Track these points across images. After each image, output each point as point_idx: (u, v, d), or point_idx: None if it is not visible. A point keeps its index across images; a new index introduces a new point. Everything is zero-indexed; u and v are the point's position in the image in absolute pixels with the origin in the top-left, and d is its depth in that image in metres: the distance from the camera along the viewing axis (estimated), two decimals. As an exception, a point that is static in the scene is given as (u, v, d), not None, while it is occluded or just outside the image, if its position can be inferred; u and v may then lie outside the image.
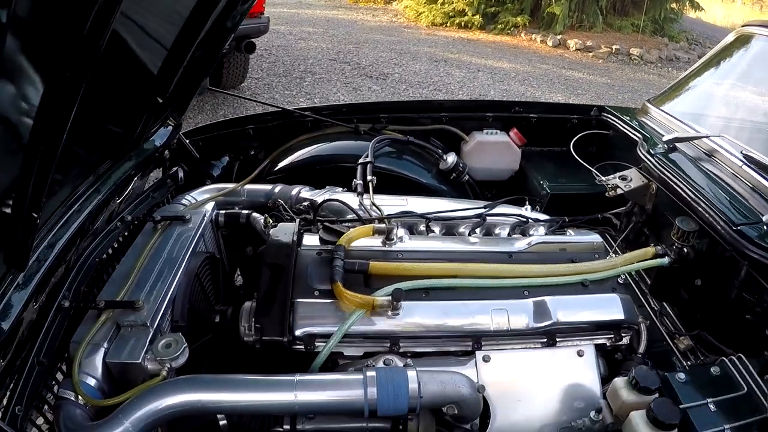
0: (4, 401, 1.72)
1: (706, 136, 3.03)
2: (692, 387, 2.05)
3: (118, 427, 1.70)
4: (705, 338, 2.63)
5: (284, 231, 2.54)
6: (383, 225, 2.55)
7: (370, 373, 1.92)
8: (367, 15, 18.30)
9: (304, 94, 9.79)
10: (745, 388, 2.02)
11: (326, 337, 2.17)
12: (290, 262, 2.38)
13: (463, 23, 16.44)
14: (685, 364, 2.58)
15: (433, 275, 2.36)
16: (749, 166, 2.73)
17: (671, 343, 2.71)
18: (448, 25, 16.67)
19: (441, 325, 2.27)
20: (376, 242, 2.55)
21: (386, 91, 10.39)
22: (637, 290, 3.04)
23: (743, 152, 2.80)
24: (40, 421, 1.85)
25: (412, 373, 1.94)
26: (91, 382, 1.83)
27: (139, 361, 1.87)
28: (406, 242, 2.59)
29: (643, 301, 2.97)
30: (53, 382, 1.90)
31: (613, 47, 14.61)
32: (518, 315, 2.31)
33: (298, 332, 2.18)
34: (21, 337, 1.82)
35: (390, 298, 2.18)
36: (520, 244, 2.67)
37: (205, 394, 1.82)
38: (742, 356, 2.14)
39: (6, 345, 1.74)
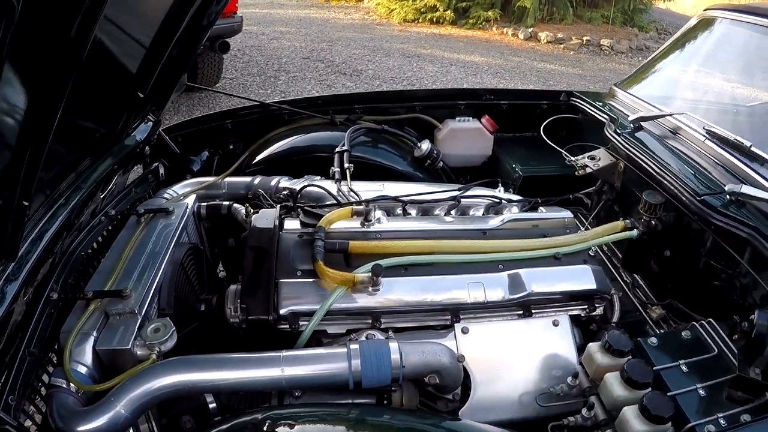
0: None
1: (670, 114, 3.12)
2: (664, 350, 2.15)
3: (110, 411, 1.75)
4: (676, 307, 2.71)
5: (266, 216, 2.63)
6: (361, 207, 2.63)
7: (354, 346, 1.99)
8: (339, 13, 18.29)
9: (278, 93, 9.81)
10: (716, 350, 2.13)
11: (310, 315, 2.24)
12: (272, 245, 2.45)
13: (434, 19, 16.47)
14: (657, 331, 2.65)
15: (412, 252, 2.45)
16: (712, 141, 2.83)
17: (644, 313, 2.79)
18: (420, 21, 16.69)
19: (420, 300, 2.35)
20: (354, 224, 2.64)
21: (361, 88, 10.43)
22: (609, 264, 3.12)
23: (706, 128, 2.89)
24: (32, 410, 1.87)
25: (393, 344, 2.01)
26: (82, 369, 1.87)
27: (129, 346, 1.92)
28: (384, 223, 2.68)
29: (616, 274, 3.05)
30: (44, 373, 1.92)
31: (584, 39, 14.70)
32: (494, 288, 2.40)
33: (282, 311, 2.25)
34: (11, 329, 1.85)
35: (370, 274, 2.27)
36: (494, 221, 2.76)
37: (195, 374, 1.87)
38: (712, 320, 2.24)
39: None
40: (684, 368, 2.07)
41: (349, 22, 17.04)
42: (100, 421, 1.74)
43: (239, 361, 1.95)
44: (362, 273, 2.30)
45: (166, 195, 2.94)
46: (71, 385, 1.82)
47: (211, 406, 2.06)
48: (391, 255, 2.42)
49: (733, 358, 2.05)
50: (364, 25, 16.56)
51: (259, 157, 3.64)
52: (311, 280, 2.35)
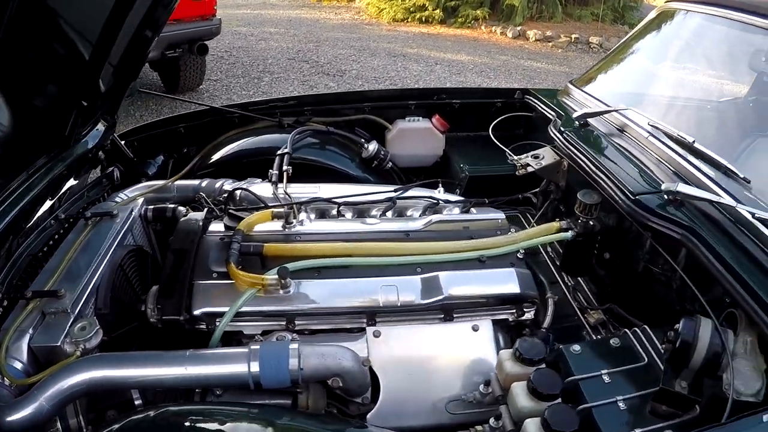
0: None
1: (615, 110, 3.02)
2: (588, 359, 2.04)
3: (33, 403, 1.81)
4: (617, 312, 2.64)
5: (192, 219, 2.70)
6: (282, 210, 2.64)
7: (254, 347, 2.00)
8: (329, 13, 18.28)
9: (261, 94, 9.78)
10: (646, 359, 2.01)
11: (223, 315, 2.26)
12: (193, 247, 2.50)
13: (423, 18, 16.42)
14: (594, 337, 2.59)
15: (326, 255, 2.45)
16: (655, 137, 2.73)
17: (582, 318, 2.72)
18: (409, 20, 16.65)
19: (332, 303, 2.34)
20: (277, 226, 2.64)
21: (342, 88, 10.36)
22: (551, 266, 3.04)
23: (650, 123, 2.80)
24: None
25: (293, 346, 2.00)
26: (18, 365, 1.94)
27: (59, 343, 2.00)
28: (306, 225, 2.66)
29: (557, 277, 2.97)
30: None
31: (573, 36, 14.64)
32: (408, 291, 2.36)
33: (196, 312, 2.30)
34: None
35: (277, 277, 2.28)
36: (419, 223, 2.70)
37: (107, 370, 1.92)
38: (647, 328, 2.13)
39: None
40: (606, 378, 1.95)
41: (338, 22, 17.02)
42: (25, 413, 1.80)
43: (149, 357, 2.01)
44: (270, 276, 2.30)
45: (117, 198, 2.97)
46: (5, 379, 1.89)
47: (136, 402, 2.09)
48: (306, 257, 2.42)
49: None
50: (353, 25, 16.53)
51: (210, 160, 3.65)
52: (226, 282, 2.37)
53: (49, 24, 2.12)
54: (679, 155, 2.56)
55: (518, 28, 15.21)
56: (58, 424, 1.94)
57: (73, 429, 2.00)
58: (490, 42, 14.75)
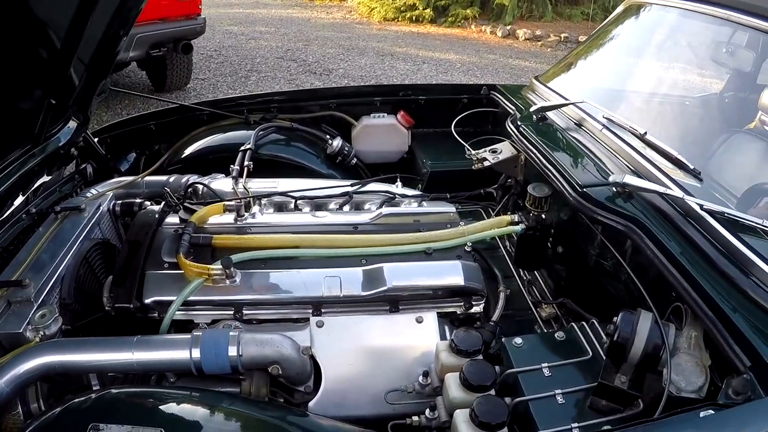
0: None
1: (571, 103, 3.03)
2: (529, 351, 2.04)
3: None
4: (570, 306, 2.64)
5: (150, 212, 2.78)
6: (233, 203, 2.70)
7: (197, 333, 2.08)
8: (321, 12, 18.27)
9: (247, 93, 9.76)
10: (591, 354, 2.00)
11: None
12: (147, 239, 2.57)
13: (414, 17, 16.40)
14: (546, 331, 2.57)
15: (272, 246, 2.50)
16: (608, 129, 2.73)
17: (535, 312, 2.73)
18: (399, 19, 16.64)
19: (277, 293, 2.39)
20: (230, 219, 2.71)
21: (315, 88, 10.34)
22: (508, 260, 3.05)
23: (604, 116, 2.80)
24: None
25: (233, 334, 2.07)
26: None
27: (21, 330, 2.08)
28: (258, 218, 2.72)
29: (513, 271, 2.98)
30: None
31: (562, 35, 14.60)
32: (351, 282, 2.40)
33: (147, 300, 2.38)
34: None
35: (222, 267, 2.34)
36: (367, 216, 2.74)
37: (60, 355, 2.00)
38: (595, 321, 2.13)
39: None
40: (546, 372, 1.94)
41: (329, 21, 17.01)
42: None
43: (100, 343, 2.09)
44: (215, 266, 2.35)
45: (87, 194, 3.03)
46: None
47: (94, 387, 2.17)
48: (254, 249, 2.48)
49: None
50: (343, 24, 16.52)
51: (180, 157, 3.71)
52: (176, 272, 2.43)
53: (16, 21, 2.15)
54: (632, 147, 2.57)
55: (508, 27, 15.18)
56: (20, 408, 2.01)
57: (34, 412, 2.05)
58: (480, 41, 14.73)
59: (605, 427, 1.76)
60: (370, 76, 11.18)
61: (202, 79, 10.52)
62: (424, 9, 16.25)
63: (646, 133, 2.54)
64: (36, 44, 2.38)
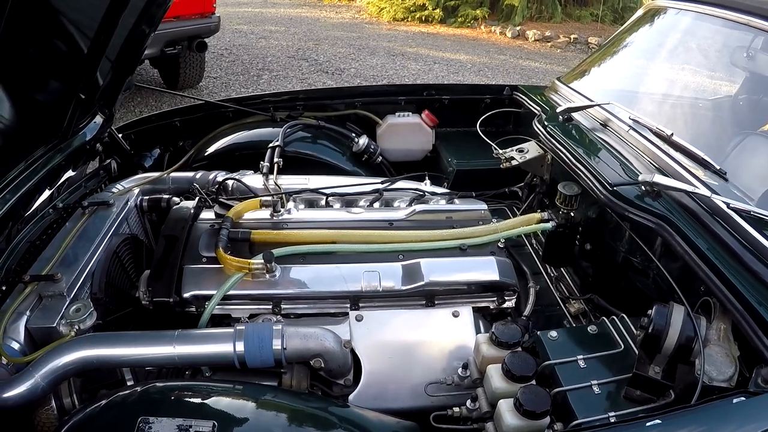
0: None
1: (597, 105, 3.08)
2: (564, 344, 2.10)
3: (29, 380, 1.90)
4: (597, 302, 2.69)
5: (184, 207, 2.79)
6: (270, 198, 2.71)
7: (240, 327, 2.08)
8: (330, 12, 18.28)
9: (259, 92, 9.77)
10: (622, 346, 2.06)
11: (212, 299, 2.34)
12: (183, 233, 2.59)
13: (423, 17, 16.42)
14: (574, 326, 2.63)
15: (310, 241, 2.53)
16: (635, 130, 2.78)
17: (563, 307, 2.78)
18: (409, 19, 16.66)
19: (316, 287, 2.42)
20: (265, 214, 2.72)
21: (340, 86, 10.36)
22: (535, 258, 3.10)
23: (630, 117, 2.85)
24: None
25: (277, 327, 2.08)
26: (15, 345, 2.04)
27: (54, 325, 2.10)
28: (294, 213, 2.74)
29: (541, 267, 3.03)
30: None
31: (572, 37, 14.62)
32: (390, 277, 2.43)
33: (185, 294, 2.40)
34: None
35: (263, 261, 2.36)
36: (402, 212, 2.77)
37: (99, 349, 2.01)
38: (624, 316, 2.19)
39: None
40: (581, 363, 2.00)
41: (339, 21, 17.03)
42: (21, 389, 1.89)
43: (139, 337, 2.11)
44: (256, 260, 2.37)
45: (114, 189, 3.04)
46: (2, 358, 1.98)
47: (128, 382, 2.17)
48: (292, 244, 2.51)
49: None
50: (353, 24, 16.54)
51: (205, 153, 3.76)
52: (214, 266, 2.46)
53: (48, 19, 2.19)
54: (658, 148, 2.62)
55: (517, 28, 15.20)
56: (53, 403, 2.02)
57: (67, 408, 2.07)
58: (490, 42, 14.75)
59: (651, 421, 1.79)
60: (381, 75, 11.21)
61: (214, 77, 10.55)
62: (433, 9, 16.26)
63: (672, 134, 2.60)
64: (68, 42, 2.42)
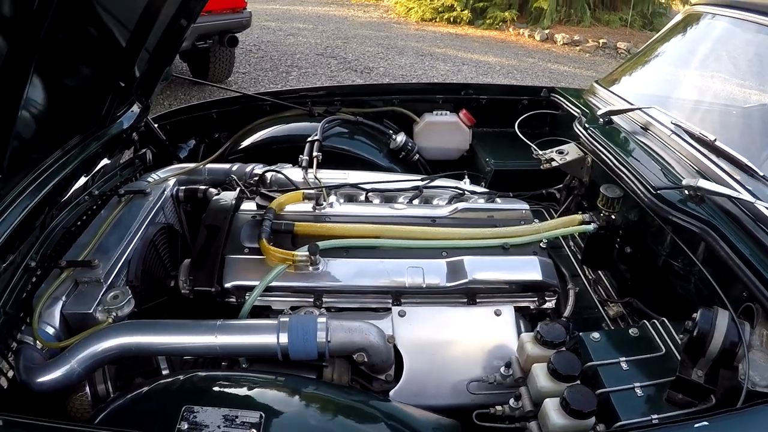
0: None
1: (639, 108, 3.07)
2: (606, 346, 2.08)
3: (65, 365, 1.92)
4: (636, 305, 2.67)
5: (225, 197, 2.79)
6: (313, 191, 2.73)
7: (284, 319, 2.08)
8: (358, 11, 18.36)
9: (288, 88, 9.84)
10: (663, 350, 2.04)
11: (252, 289, 2.34)
12: (225, 223, 2.59)
13: (452, 18, 16.47)
14: (612, 329, 2.62)
15: (354, 235, 2.53)
16: (677, 135, 2.77)
17: (602, 310, 2.76)
18: (437, 20, 16.71)
19: (359, 281, 2.41)
20: (307, 207, 2.73)
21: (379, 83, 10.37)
22: (573, 260, 3.09)
23: (673, 122, 2.84)
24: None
25: (321, 320, 2.08)
26: (50, 330, 2.05)
27: (91, 311, 2.10)
28: (336, 207, 2.75)
29: (579, 270, 3.02)
30: (18, 332, 2.09)
31: (600, 41, 14.57)
32: (433, 273, 2.42)
33: (227, 285, 2.40)
34: None
35: (308, 253, 2.35)
36: (445, 210, 2.77)
37: (138, 337, 2.02)
38: (665, 320, 2.17)
39: None
40: (624, 366, 1.99)
41: (366, 20, 17.08)
42: (56, 374, 1.91)
43: (180, 326, 2.10)
44: (301, 252, 2.37)
45: (149, 179, 3.05)
46: (37, 343, 2.00)
47: (164, 371, 2.18)
48: (335, 237, 2.50)
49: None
50: (381, 24, 16.59)
51: (241, 146, 3.77)
52: (257, 257, 2.46)
53: (91, 11, 2.23)
54: (701, 153, 2.60)
55: (546, 31, 15.18)
56: (87, 389, 2.04)
57: (101, 395, 2.08)
58: (518, 44, 14.75)
59: (699, 422, 1.76)
60: (410, 75, 11.21)
61: (243, 72, 10.62)
62: (462, 10, 16.31)
63: (715, 139, 2.58)
64: (109, 33, 2.46)
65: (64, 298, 2.14)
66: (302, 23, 15.47)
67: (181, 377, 1.94)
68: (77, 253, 2.35)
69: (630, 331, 2.16)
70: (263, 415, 1.70)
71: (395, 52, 12.99)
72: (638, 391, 1.91)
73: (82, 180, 2.75)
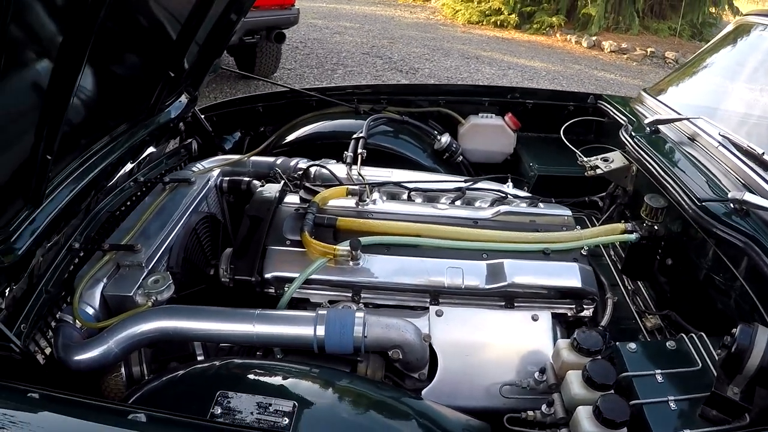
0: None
1: (686, 119, 3.03)
2: (642, 357, 2.06)
3: (103, 345, 1.98)
4: (674, 318, 2.64)
5: (269, 189, 2.83)
6: (357, 187, 2.74)
7: (322, 312, 2.10)
8: (404, 12, 18.36)
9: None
10: (700, 365, 2.01)
11: (292, 281, 2.37)
12: (269, 215, 2.62)
13: (498, 22, 16.39)
14: (649, 340, 2.60)
15: (395, 233, 2.55)
16: (725, 147, 2.73)
17: (639, 321, 2.74)
18: (484, 23, 16.64)
19: (399, 279, 2.42)
20: (350, 203, 2.75)
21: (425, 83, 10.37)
22: (613, 269, 3.06)
23: (720, 133, 2.80)
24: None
25: (359, 315, 2.09)
26: (90, 310, 2.11)
27: (131, 294, 2.17)
28: (379, 204, 2.77)
29: (618, 279, 2.99)
30: (58, 310, 2.15)
31: (648, 50, 14.38)
32: (473, 275, 2.43)
33: (267, 275, 2.44)
34: (33, 269, 2.08)
35: (349, 248, 2.38)
36: (487, 212, 2.77)
37: (177, 321, 2.07)
38: (704, 335, 2.15)
39: (19, 271, 2.02)
40: (659, 378, 1.96)
41: (413, 20, 17.09)
42: (94, 353, 1.96)
43: (219, 313, 2.14)
44: (342, 247, 2.39)
45: (194, 168, 3.12)
46: (77, 322, 2.05)
47: (199, 357, 2.23)
48: (376, 234, 2.52)
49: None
50: (427, 25, 16.58)
51: (286, 140, 3.83)
52: (298, 249, 2.49)
53: (144, 4, 2.30)
54: (748, 166, 2.55)
55: (593, 38, 15.02)
56: (122, 370, 2.09)
57: (136, 376, 2.13)
58: (565, 50, 14.63)
59: None
60: (456, 77, 11.19)
61: (289, 69, 10.69)
62: (509, 14, 16.21)
63: (764, 153, 2.54)
64: (161, 26, 2.51)
65: (105, 280, 2.20)
66: (349, 22, 15.52)
67: (217, 363, 1.98)
68: (120, 238, 2.41)
69: (667, 343, 2.13)
70: (296, 404, 1.73)
71: (441, 53, 12.97)
72: (672, 405, 1.88)
73: (129, 166, 2.81)
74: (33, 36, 1.68)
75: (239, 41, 8.31)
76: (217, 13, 2.78)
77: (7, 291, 1.98)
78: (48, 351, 2.09)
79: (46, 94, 1.84)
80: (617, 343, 2.12)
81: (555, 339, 2.34)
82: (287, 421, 1.68)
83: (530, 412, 2.06)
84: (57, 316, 2.12)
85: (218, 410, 1.69)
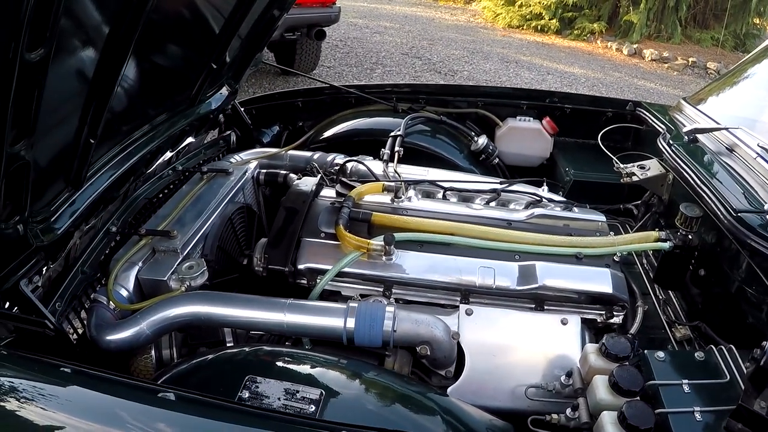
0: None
1: (725, 128, 3.00)
2: (670, 367, 2.04)
3: (135, 326, 2.03)
4: (704, 330, 2.62)
5: (305, 183, 2.86)
6: (392, 184, 2.78)
7: (353, 304, 2.12)
8: (445, 13, 18.37)
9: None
10: (728, 377, 1.98)
11: (325, 273, 2.40)
12: (304, 207, 2.65)
13: (539, 27, 16.34)
14: (678, 350, 2.58)
15: (429, 230, 2.55)
16: (763, 158, 2.70)
17: (669, 332, 2.72)
18: (524, 27, 16.61)
19: (430, 276, 2.44)
20: (386, 199, 2.77)
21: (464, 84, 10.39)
22: (644, 278, 3.05)
23: (759, 144, 2.77)
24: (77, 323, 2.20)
25: (389, 309, 2.11)
26: (124, 293, 2.17)
27: (165, 278, 2.22)
28: (414, 202, 2.78)
29: (649, 289, 2.98)
30: (93, 291, 2.23)
31: (690, 60, 14.22)
32: (504, 275, 2.43)
33: (300, 266, 2.48)
34: (73, 252, 2.16)
35: (383, 243, 2.40)
36: (521, 214, 2.77)
37: (209, 307, 2.10)
38: (733, 348, 2.13)
39: (57, 250, 2.08)
40: (686, 388, 1.94)
41: (453, 22, 17.08)
42: (125, 334, 2.02)
43: (251, 300, 2.16)
44: (376, 241, 2.41)
45: (232, 159, 3.18)
46: (110, 303, 2.10)
47: (228, 343, 2.27)
48: (411, 231, 2.53)
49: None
50: (468, 27, 16.57)
51: (323, 135, 3.87)
52: (332, 242, 2.52)
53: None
54: None
55: (634, 45, 14.90)
56: (152, 353, 2.14)
57: (165, 359, 2.18)
58: (605, 57, 14.53)
59: None
60: (494, 81, 11.19)
61: (328, 66, 10.75)
62: (550, 19, 16.16)
63: (802, 165, 2.53)
64: (205, 19, 2.56)
65: (140, 263, 2.26)
66: (389, 22, 15.56)
67: (246, 349, 2.02)
68: (157, 224, 2.47)
69: (696, 354, 2.11)
70: (323, 393, 1.75)
71: (480, 56, 12.96)
72: (697, 416, 1.86)
73: (168, 155, 2.89)
74: (81, 26, 1.72)
75: (280, 37, 8.38)
76: (260, 9, 2.82)
77: (44, 270, 2.03)
78: (81, 331, 2.15)
79: (92, 80, 1.88)
80: (645, 351, 2.12)
81: (583, 344, 2.33)
82: (313, 408, 1.70)
83: (554, 415, 2.05)
84: (91, 296, 2.17)
85: (246, 394, 1.72)
